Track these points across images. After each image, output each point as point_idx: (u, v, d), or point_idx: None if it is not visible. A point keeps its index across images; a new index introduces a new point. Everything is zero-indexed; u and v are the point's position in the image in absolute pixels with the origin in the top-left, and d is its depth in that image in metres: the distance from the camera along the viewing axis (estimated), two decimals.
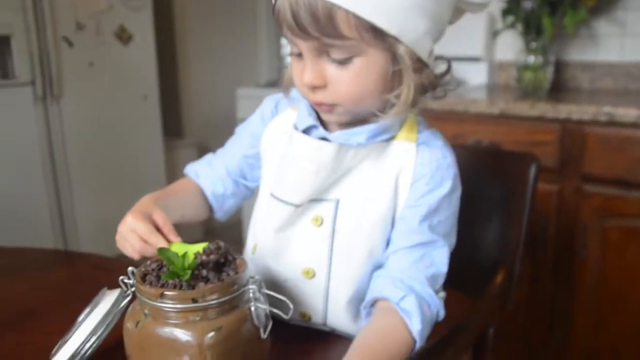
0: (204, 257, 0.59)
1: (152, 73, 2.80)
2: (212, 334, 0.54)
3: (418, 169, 0.73)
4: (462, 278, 1.03)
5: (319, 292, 0.76)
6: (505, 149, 1.69)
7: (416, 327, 0.67)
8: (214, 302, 0.54)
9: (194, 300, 0.53)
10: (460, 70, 2.33)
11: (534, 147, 1.71)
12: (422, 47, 0.67)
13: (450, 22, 0.77)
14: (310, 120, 0.75)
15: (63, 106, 2.43)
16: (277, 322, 0.61)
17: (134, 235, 0.71)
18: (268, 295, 0.59)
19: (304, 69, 0.68)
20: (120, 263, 1.04)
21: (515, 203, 1.01)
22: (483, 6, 0.75)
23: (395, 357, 0.66)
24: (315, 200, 0.75)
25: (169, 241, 0.69)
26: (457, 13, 0.76)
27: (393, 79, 0.68)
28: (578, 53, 2.17)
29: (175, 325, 0.54)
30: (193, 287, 0.55)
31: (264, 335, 0.58)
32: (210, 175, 0.90)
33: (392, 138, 0.75)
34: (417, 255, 0.73)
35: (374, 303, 0.73)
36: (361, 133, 0.71)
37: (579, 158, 1.67)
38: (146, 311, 0.56)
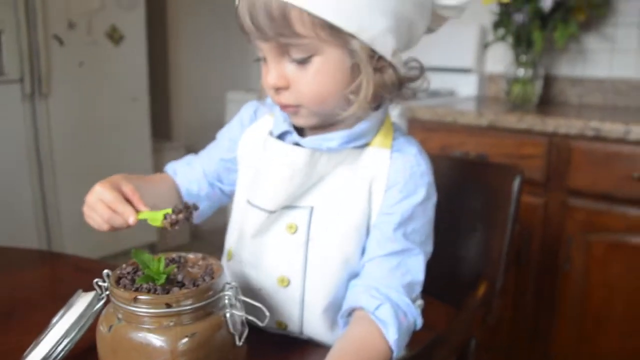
0: (173, 217, 0.61)
1: (142, 75, 2.78)
2: (185, 339, 0.53)
3: (392, 175, 0.73)
4: (444, 289, 1.03)
5: (294, 301, 0.76)
6: (490, 161, 1.70)
7: (392, 336, 0.67)
8: (189, 307, 0.54)
9: (168, 305, 0.53)
10: (450, 81, 2.35)
11: (522, 160, 1.72)
12: (383, 45, 0.66)
13: (431, 29, 0.78)
14: (285, 126, 0.75)
15: (51, 105, 2.41)
16: (253, 330, 0.60)
17: (101, 204, 0.69)
18: (244, 302, 0.59)
19: (267, 71, 0.69)
20: (102, 265, 1.03)
21: (499, 215, 1.01)
22: (460, 10, 0.74)
23: None
24: (289, 207, 0.75)
25: (137, 210, 0.69)
26: (436, 19, 0.75)
27: (354, 77, 0.67)
28: (567, 68, 2.19)
29: (149, 330, 0.53)
30: (167, 292, 0.55)
31: (239, 343, 0.57)
32: (187, 174, 0.89)
33: (367, 144, 0.75)
34: (393, 264, 0.72)
35: (351, 312, 0.72)
36: (334, 139, 0.71)
37: (565, 172, 1.68)
38: (120, 315, 0.55)
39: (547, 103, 2.13)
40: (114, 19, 2.59)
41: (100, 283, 0.60)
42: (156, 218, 0.66)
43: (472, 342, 0.97)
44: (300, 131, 0.76)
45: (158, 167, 2.96)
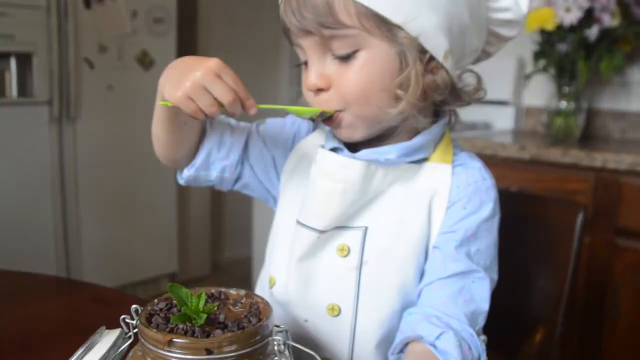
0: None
1: None
2: None
3: (454, 191, 0.67)
4: (496, 335, 0.94)
5: (344, 333, 0.67)
6: (550, 195, 1.61)
7: None
8: (232, 354, 0.45)
9: (208, 351, 0.45)
10: (487, 114, 2.27)
11: (566, 196, 1.62)
12: (433, 44, 0.62)
13: (487, 53, 0.75)
14: (335, 142, 0.70)
15: (78, 128, 2.38)
16: None
17: (220, 82, 0.59)
18: (293, 347, 0.50)
19: (308, 73, 0.65)
20: (121, 296, 0.96)
21: (559, 254, 0.92)
22: (515, 26, 0.71)
23: None
24: (341, 227, 0.68)
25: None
26: (492, 40, 0.72)
27: (401, 74, 0.63)
28: (610, 101, 2.10)
29: None
30: (208, 335, 0.47)
31: None
32: (222, 137, 0.77)
33: (425, 160, 0.69)
34: (455, 288, 0.64)
35: (403, 348, 0.63)
36: (390, 151, 0.66)
37: (614, 210, 1.58)
38: (149, 359, 0.47)
39: (588, 138, 2.04)
40: (145, 44, 2.58)
41: (127, 320, 0.52)
42: (301, 112, 0.62)
43: None
44: (352, 149, 0.70)
45: (183, 198, 2.91)
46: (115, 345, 0.52)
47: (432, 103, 0.69)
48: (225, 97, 0.59)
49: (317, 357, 0.50)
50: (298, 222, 0.70)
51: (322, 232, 0.68)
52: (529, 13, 0.71)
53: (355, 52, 0.62)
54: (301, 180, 0.74)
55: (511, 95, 2.26)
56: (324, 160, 0.68)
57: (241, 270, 2.99)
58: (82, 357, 0.52)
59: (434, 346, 0.59)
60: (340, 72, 0.63)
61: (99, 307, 0.87)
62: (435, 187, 0.67)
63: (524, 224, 0.96)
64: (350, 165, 0.66)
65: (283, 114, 0.77)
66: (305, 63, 0.66)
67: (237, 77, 0.60)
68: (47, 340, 0.76)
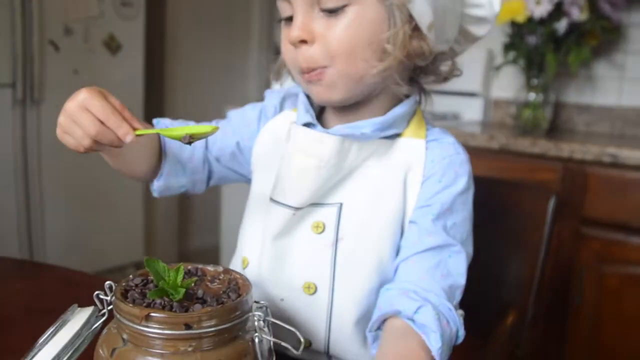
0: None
1: (138, 87, 2.69)
2: None
3: (429, 165, 0.67)
4: (468, 317, 0.94)
5: (321, 312, 0.67)
6: (522, 182, 1.63)
7: (435, 344, 0.57)
8: (212, 329, 0.44)
9: (188, 326, 0.44)
10: (455, 104, 2.29)
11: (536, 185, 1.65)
12: (420, 12, 0.63)
13: (454, 51, 0.75)
14: (307, 117, 0.70)
15: (42, 112, 2.31)
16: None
17: (87, 115, 0.56)
18: (273, 324, 0.50)
19: (292, 27, 0.64)
20: (95, 280, 0.93)
21: (531, 239, 0.94)
22: (485, 24, 0.71)
23: None
24: (315, 204, 0.68)
25: (133, 127, 0.57)
26: (462, 38, 0.73)
27: (390, 31, 0.63)
28: (575, 94, 2.15)
29: (162, 356, 0.44)
30: (186, 310, 0.46)
31: None
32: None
33: (398, 135, 0.69)
34: (432, 263, 0.64)
35: (380, 325, 0.63)
36: (365, 126, 0.66)
37: (580, 199, 1.61)
38: (125, 336, 0.46)
39: (555, 130, 2.07)
40: (112, 28, 2.51)
41: (101, 296, 0.50)
42: (172, 134, 0.57)
43: None
44: (324, 125, 0.70)
45: (149, 185, 2.86)
46: (88, 322, 0.50)
47: (412, 70, 0.69)
48: (89, 129, 0.57)
49: (298, 333, 0.49)
50: (272, 200, 0.69)
51: (297, 209, 0.67)
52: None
53: (345, 6, 0.62)
54: (271, 159, 0.73)
55: (480, 87, 2.28)
56: (297, 136, 0.68)
57: (209, 259, 2.93)
58: (54, 335, 0.50)
59: (412, 320, 0.58)
60: (328, 26, 0.63)
61: (68, 289, 0.85)
62: (410, 161, 0.68)
63: (497, 209, 0.97)
64: (325, 140, 0.65)
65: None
66: (288, 19, 0.66)
67: (105, 106, 0.57)
68: (13, 322, 0.74)
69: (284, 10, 0.66)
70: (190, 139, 0.56)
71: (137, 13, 2.60)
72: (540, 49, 1.85)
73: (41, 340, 0.52)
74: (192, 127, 0.57)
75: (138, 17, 2.61)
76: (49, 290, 0.86)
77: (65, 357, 0.49)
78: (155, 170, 0.75)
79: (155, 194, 0.78)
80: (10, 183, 2.27)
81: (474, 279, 0.96)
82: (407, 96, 0.71)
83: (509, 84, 2.20)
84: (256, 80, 3.40)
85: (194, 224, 3.32)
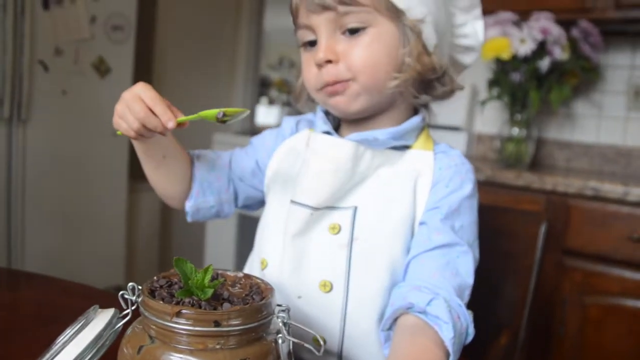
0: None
1: None
2: None
3: (437, 173, 0.73)
4: None
5: (336, 309, 0.69)
6: (514, 208, 1.66)
7: (448, 334, 0.58)
8: (239, 328, 0.46)
9: (217, 323, 0.45)
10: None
11: None
12: (428, 34, 0.71)
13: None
14: (326, 127, 0.76)
15: (29, 131, 2.30)
16: None
17: (139, 102, 0.65)
18: (291, 326, 0.51)
19: (316, 50, 0.71)
20: (95, 291, 0.93)
21: (523, 262, 0.96)
22: (473, 53, 0.80)
23: None
24: (332, 207, 0.72)
25: (175, 116, 0.65)
26: (454, 65, 0.81)
27: (402, 54, 0.70)
28: (556, 131, 2.22)
29: (191, 353, 0.45)
30: (214, 309, 0.47)
31: None
32: (211, 161, 0.85)
33: (408, 148, 0.75)
34: (442, 262, 0.67)
35: (392, 325, 0.64)
36: (379, 134, 0.72)
37: (562, 231, 1.66)
38: (152, 333, 0.47)
39: (536, 165, 2.13)
40: (102, 51, 2.52)
41: (126, 296, 0.51)
42: (207, 114, 0.63)
43: None
44: (340, 136, 0.76)
45: (133, 209, 2.84)
46: (110, 323, 0.51)
47: (424, 83, 0.75)
48: (138, 113, 0.65)
49: (317, 335, 0.50)
50: (292, 202, 0.74)
51: (315, 209, 0.71)
52: (486, 42, 0.79)
53: (365, 27, 0.69)
54: (289, 169, 0.79)
55: (464, 122, 2.34)
56: (316, 142, 0.74)
57: (193, 257, 2.92)
58: (76, 335, 0.50)
59: (425, 312, 0.60)
60: (349, 46, 0.69)
61: (71, 300, 0.84)
62: (419, 169, 0.73)
63: (490, 234, 1.00)
64: (341, 146, 0.72)
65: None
66: (310, 43, 0.72)
67: (156, 96, 0.66)
68: (20, 329, 0.73)
69: (305, 35, 0.73)
70: (224, 116, 0.63)
71: (127, 37, 2.62)
72: (524, 85, 1.91)
73: (60, 340, 0.52)
74: (224, 108, 0.64)
75: (128, 41, 2.63)
76: (48, 301, 0.85)
77: (87, 358, 0.50)
78: (186, 194, 0.83)
79: (188, 218, 0.84)
80: None
81: (473, 302, 0.98)
82: (416, 113, 0.78)
83: (491, 119, 2.27)
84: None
85: (176, 250, 3.29)
